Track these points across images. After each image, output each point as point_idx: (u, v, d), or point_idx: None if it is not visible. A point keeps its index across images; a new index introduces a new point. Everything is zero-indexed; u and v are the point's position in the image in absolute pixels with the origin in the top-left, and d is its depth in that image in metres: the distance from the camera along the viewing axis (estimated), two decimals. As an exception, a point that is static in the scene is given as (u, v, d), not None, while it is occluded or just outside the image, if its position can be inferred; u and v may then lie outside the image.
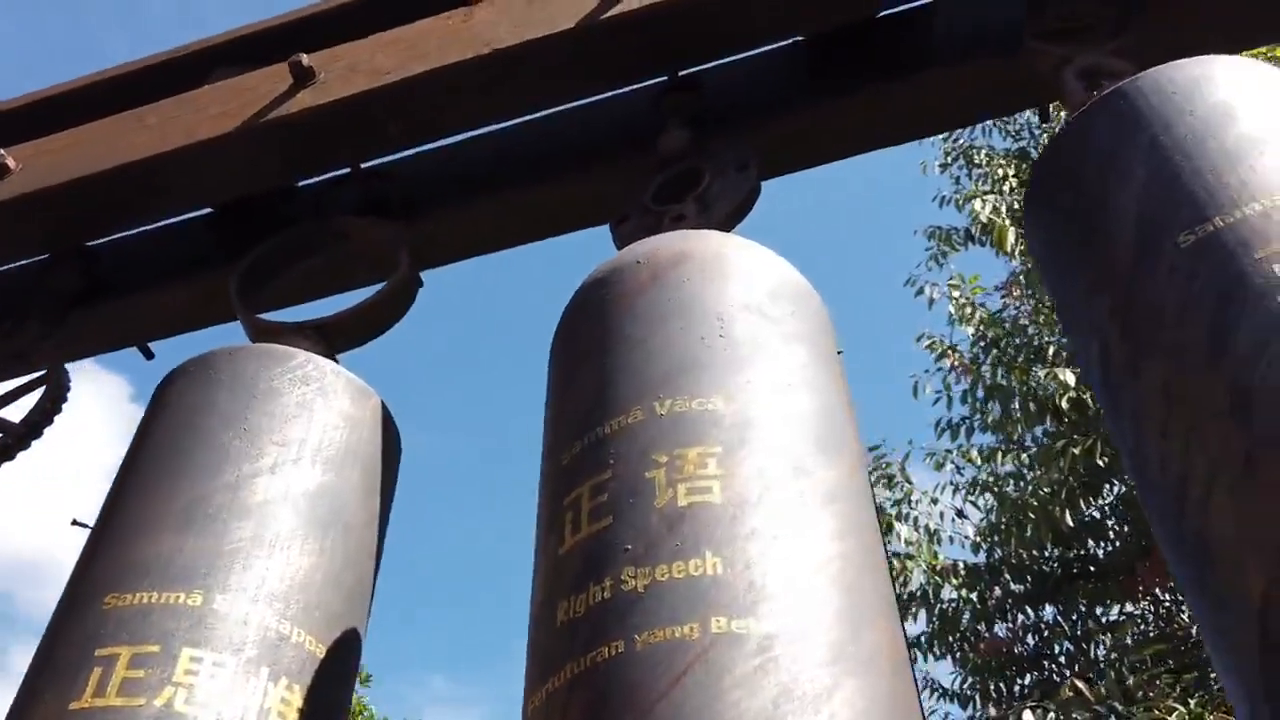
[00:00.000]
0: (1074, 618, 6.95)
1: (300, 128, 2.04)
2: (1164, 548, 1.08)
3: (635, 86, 2.08)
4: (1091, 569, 6.94)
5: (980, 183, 7.95)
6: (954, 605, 7.14)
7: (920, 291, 7.85)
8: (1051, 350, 6.75)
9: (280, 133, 2.05)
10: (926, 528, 7.33)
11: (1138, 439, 1.14)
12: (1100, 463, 6.10)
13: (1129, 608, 6.92)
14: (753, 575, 0.99)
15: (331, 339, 1.86)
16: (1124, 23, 1.74)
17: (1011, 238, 7.12)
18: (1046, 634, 7.03)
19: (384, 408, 1.65)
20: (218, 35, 2.42)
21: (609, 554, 1.05)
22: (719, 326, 1.26)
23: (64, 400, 2.02)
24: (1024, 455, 6.94)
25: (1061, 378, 6.22)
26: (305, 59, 2.06)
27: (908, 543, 7.24)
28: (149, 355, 2.59)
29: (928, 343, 7.71)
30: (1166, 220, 1.18)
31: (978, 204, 7.50)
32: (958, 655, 7.20)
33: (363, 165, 2.19)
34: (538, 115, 2.16)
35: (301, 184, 2.26)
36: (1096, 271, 1.26)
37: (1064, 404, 6.23)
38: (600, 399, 1.22)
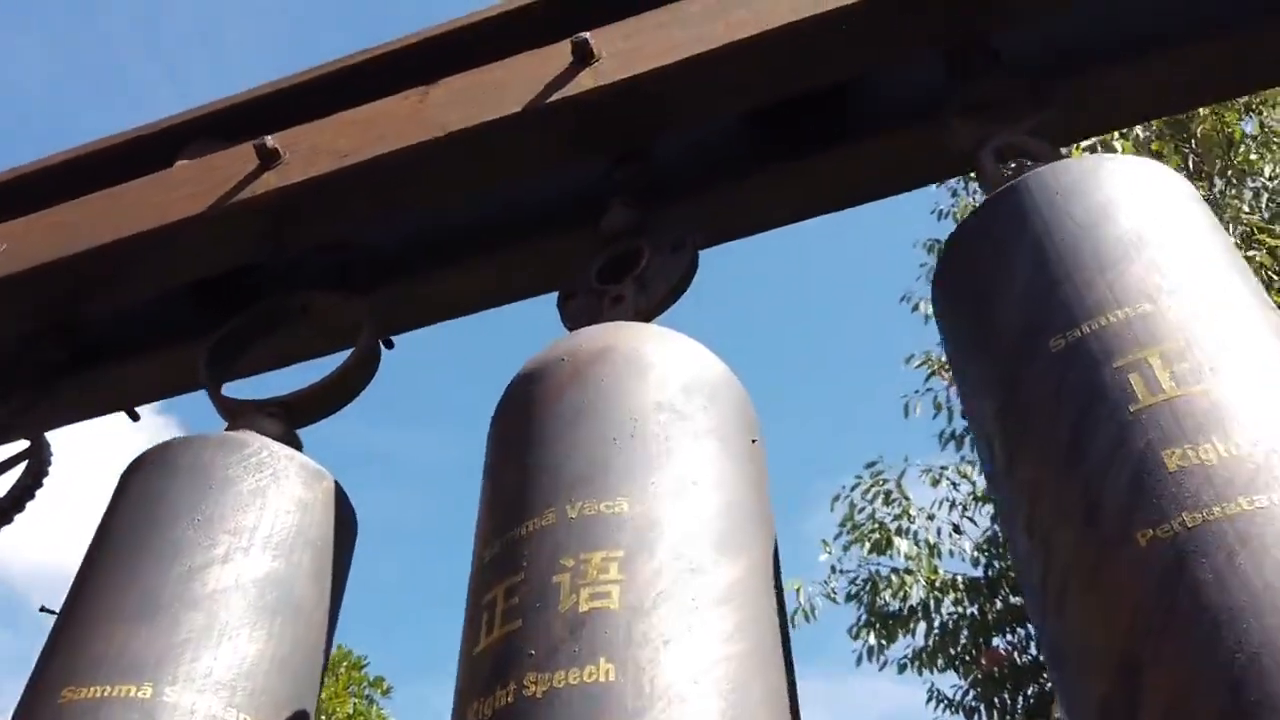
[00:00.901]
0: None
1: (267, 209, 2.14)
2: (1038, 646, 1.15)
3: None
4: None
5: (977, 196, 8.00)
6: (954, 619, 7.19)
7: (916, 307, 7.92)
8: None
9: (248, 214, 2.14)
10: (926, 542, 7.38)
11: (1012, 537, 1.21)
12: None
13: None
14: (642, 682, 1.07)
15: (295, 415, 1.95)
16: (1042, 101, 1.81)
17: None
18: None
19: (337, 488, 1.74)
20: (189, 111, 2.52)
21: (515, 658, 1.13)
22: (631, 426, 1.34)
23: (45, 474, 2.11)
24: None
25: None
26: (270, 140, 2.16)
27: (907, 557, 7.29)
28: (135, 418, 2.69)
29: (917, 362, 7.78)
30: (1043, 324, 1.25)
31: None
32: (959, 668, 7.25)
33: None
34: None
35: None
36: (986, 368, 1.33)
37: None
38: (519, 499, 1.31)
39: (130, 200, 2.29)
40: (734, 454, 1.38)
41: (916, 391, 7.79)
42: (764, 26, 1.90)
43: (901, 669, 7.70)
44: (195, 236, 2.19)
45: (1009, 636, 7.15)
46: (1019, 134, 1.77)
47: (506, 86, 2.06)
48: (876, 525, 7.57)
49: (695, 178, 2.21)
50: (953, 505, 7.48)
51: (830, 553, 8.08)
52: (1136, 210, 1.33)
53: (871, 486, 7.82)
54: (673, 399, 1.39)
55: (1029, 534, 1.16)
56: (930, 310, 7.99)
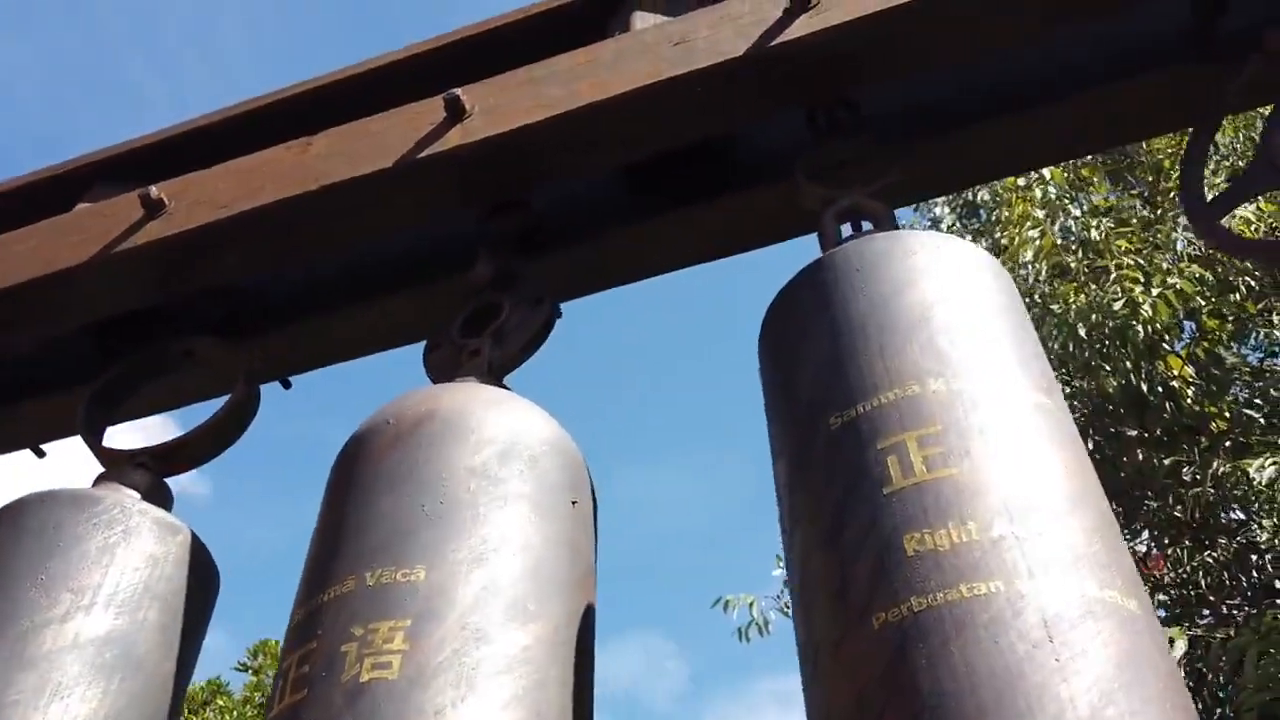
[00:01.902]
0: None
1: (150, 258, 2.18)
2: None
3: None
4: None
5: (918, 223, 8.05)
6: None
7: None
8: None
9: (132, 262, 2.18)
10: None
11: (791, 604, 1.26)
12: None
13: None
14: (409, 754, 1.11)
15: (167, 464, 1.99)
16: (886, 165, 1.87)
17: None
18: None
19: (194, 541, 1.78)
20: (92, 153, 2.56)
21: (296, 729, 1.17)
22: (442, 492, 1.38)
23: None
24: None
25: None
26: (155, 190, 2.20)
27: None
28: (40, 455, 2.73)
29: None
30: (827, 400, 1.30)
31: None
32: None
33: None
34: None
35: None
36: (782, 437, 1.38)
37: None
38: (326, 565, 1.35)
39: (23, 246, 2.33)
40: (548, 517, 1.43)
41: None
42: (624, 88, 1.96)
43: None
44: (82, 283, 2.23)
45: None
46: (862, 196, 1.82)
47: (383, 140, 2.10)
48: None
49: (574, 227, 2.26)
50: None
51: (783, 567, 8.07)
52: (927, 290, 1.37)
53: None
54: (487, 464, 1.43)
55: (796, 600, 1.21)
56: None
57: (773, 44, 1.88)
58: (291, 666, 1.25)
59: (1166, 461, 5.94)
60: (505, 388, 1.80)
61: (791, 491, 1.30)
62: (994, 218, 7.01)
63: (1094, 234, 6.46)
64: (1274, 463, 5.04)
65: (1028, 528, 1.08)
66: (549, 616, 1.32)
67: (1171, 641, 4.86)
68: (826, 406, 1.30)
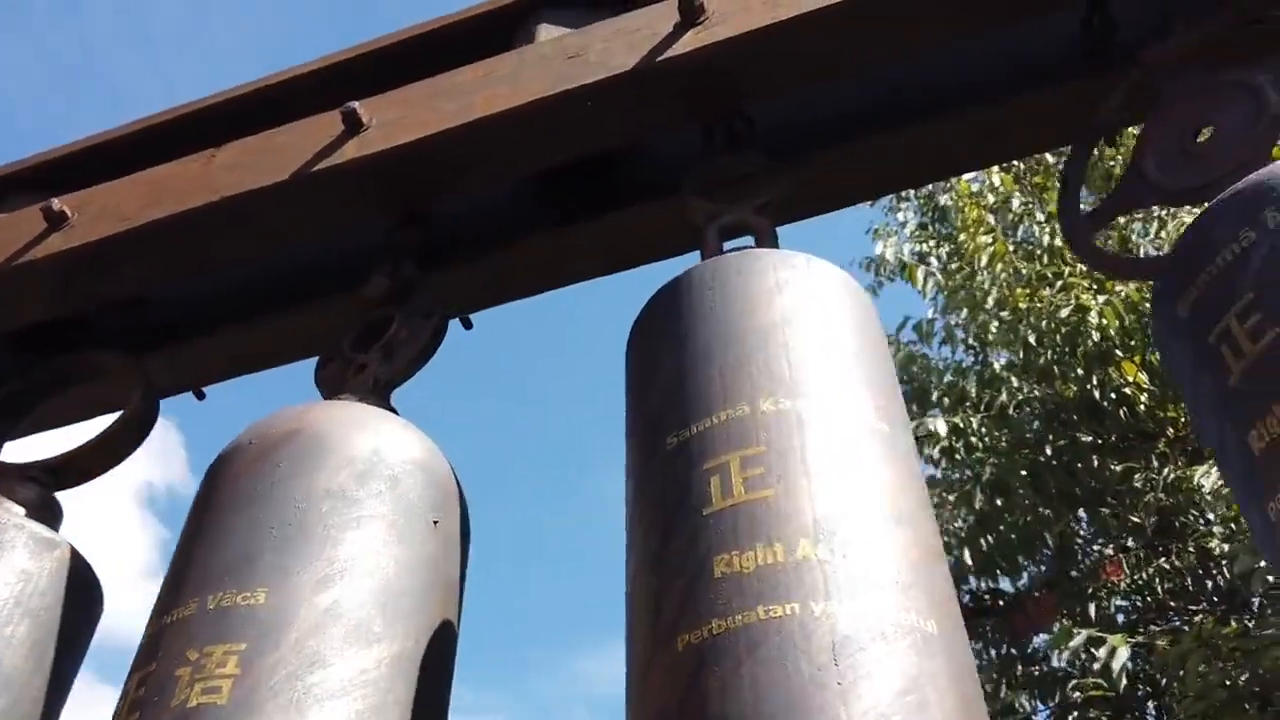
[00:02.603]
0: (986, 652, 7.07)
1: (50, 270, 2.18)
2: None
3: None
4: (1001, 603, 7.07)
5: (888, 222, 8.07)
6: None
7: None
8: (935, 395, 6.89)
9: (32, 275, 2.18)
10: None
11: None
12: (997, 503, 6.23)
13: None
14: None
15: (60, 478, 1.99)
16: (773, 179, 1.87)
17: (920, 276, 7.27)
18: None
19: (73, 555, 1.78)
20: (3, 166, 2.56)
21: (124, 752, 1.17)
22: (294, 514, 1.38)
23: None
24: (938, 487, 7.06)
25: (932, 428, 6.35)
26: (57, 203, 2.20)
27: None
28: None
29: None
30: (667, 420, 1.31)
31: (879, 246, 7.66)
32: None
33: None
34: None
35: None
36: (629, 453, 1.38)
37: (935, 452, 6.36)
38: (175, 586, 1.35)
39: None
40: (404, 538, 1.43)
41: None
42: (518, 102, 1.96)
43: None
44: (-14, 296, 2.23)
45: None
46: (745, 212, 1.82)
47: (283, 153, 2.10)
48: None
49: (480, 239, 2.26)
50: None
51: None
52: (776, 310, 1.37)
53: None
54: (344, 485, 1.43)
55: (627, 621, 1.22)
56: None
57: (659, 59, 1.89)
58: (131, 689, 1.25)
59: (1118, 468, 5.97)
60: (388, 403, 1.80)
61: (631, 512, 1.31)
62: (957, 222, 7.05)
63: (1047, 240, 6.50)
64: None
65: (834, 550, 1.09)
66: (396, 637, 1.33)
67: (1113, 650, 4.89)
68: (666, 426, 1.30)
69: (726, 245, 1.82)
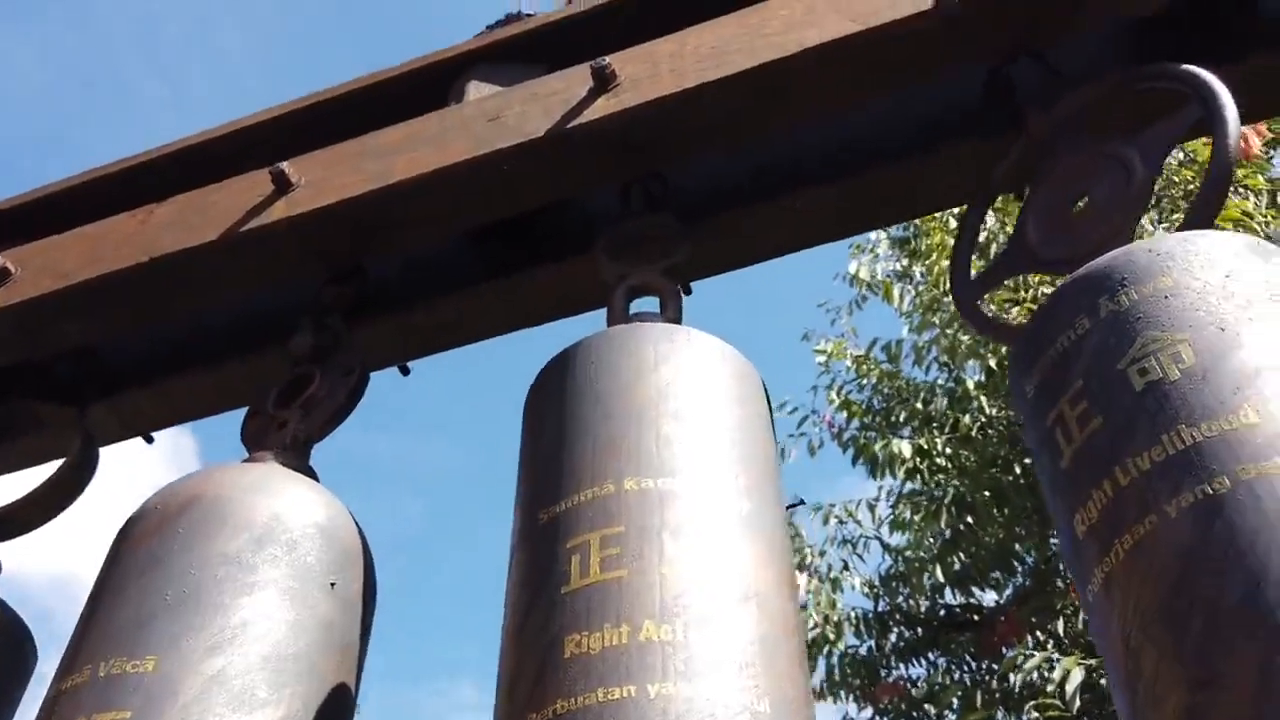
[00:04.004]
0: (962, 666, 7.13)
1: (-7, 325, 2.24)
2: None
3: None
4: (974, 618, 7.13)
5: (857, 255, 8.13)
6: (853, 651, 7.34)
7: (820, 349, 8.06)
8: (902, 416, 6.97)
9: (-23, 329, 2.25)
10: (826, 576, 7.52)
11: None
12: (967, 521, 6.29)
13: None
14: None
15: (5, 527, 2.06)
16: (681, 240, 1.93)
17: (896, 293, 7.35)
18: (938, 681, 7.21)
19: (2, 611, 1.84)
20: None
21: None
22: (190, 580, 1.44)
23: None
24: (902, 506, 7.13)
25: (896, 449, 6.42)
26: (0, 258, 2.27)
27: (807, 592, 7.43)
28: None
29: (790, 409, 7.95)
30: (541, 494, 1.36)
31: (853, 265, 7.74)
32: (859, 700, 7.38)
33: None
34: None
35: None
36: (514, 520, 1.44)
37: (900, 472, 6.44)
38: (72, 653, 1.41)
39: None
40: (298, 602, 1.49)
41: (790, 436, 7.96)
42: (437, 164, 2.02)
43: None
44: (-68, 348, 2.29)
45: (904, 669, 7.29)
46: (651, 274, 1.89)
47: (216, 210, 2.16)
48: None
49: (414, 293, 2.33)
50: (843, 542, 7.63)
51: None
52: (653, 386, 1.42)
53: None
54: (241, 550, 1.49)
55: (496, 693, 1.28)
56: (824, 352, 8.16)
57: (571, 125, 1.95)
58: (24, 754, 1.31)
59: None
60: (306, 460, 1.86)
61: (507, 584, 1.37)
62: (921, 246, 7.13)
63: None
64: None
65: (676, 631, 1.14)
66: (282, 702, 1.38)
67: (1067, 671, 4.95)
68: (541, 500, 1.36)
69: (635, 305, 1.89)
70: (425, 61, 2.40)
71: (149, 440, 2.58)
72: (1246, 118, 2.32)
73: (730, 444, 1.40)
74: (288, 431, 1.88)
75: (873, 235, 7.90)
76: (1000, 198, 2.35)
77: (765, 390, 1.59)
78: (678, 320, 1.80)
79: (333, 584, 1.55)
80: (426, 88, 2.37)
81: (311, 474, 1.81)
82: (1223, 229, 1.67)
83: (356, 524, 1.69)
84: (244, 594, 1.45)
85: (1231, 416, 1.06)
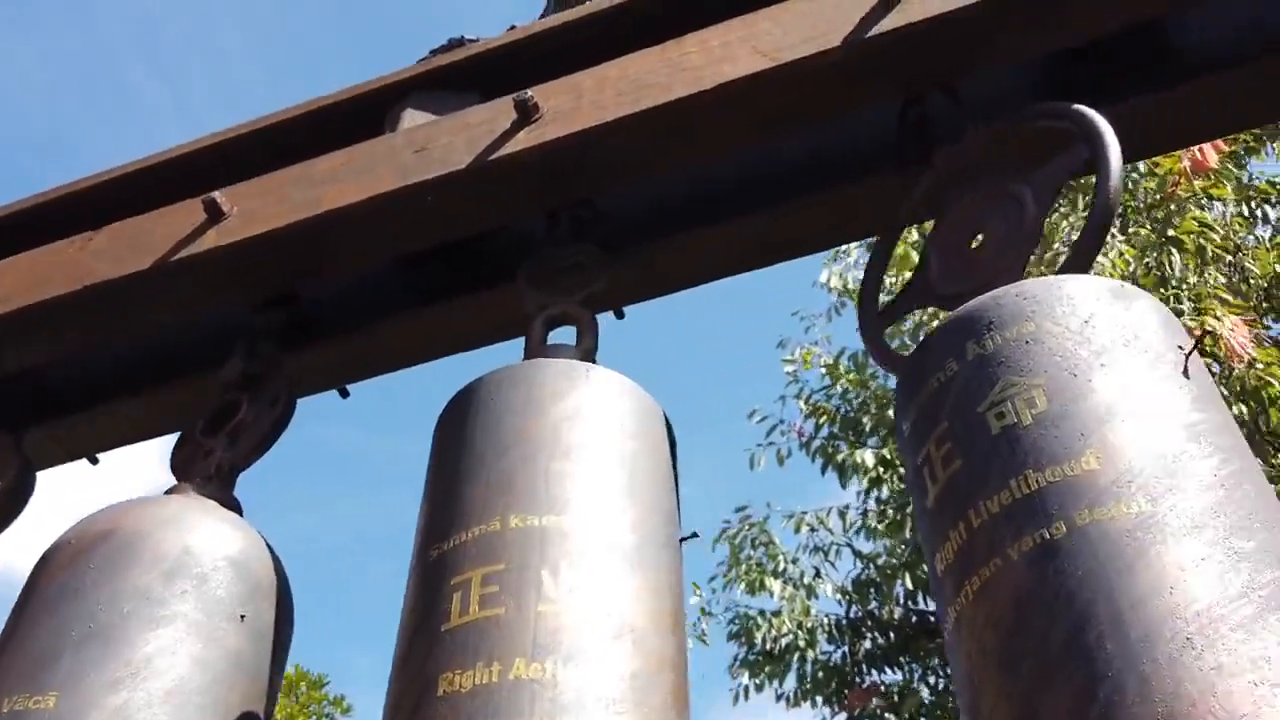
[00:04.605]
0: (937, 672, 7.18)
1: (-71, 352, 2.27)
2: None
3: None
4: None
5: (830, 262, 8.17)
6: (826, 657, 7.38)
7: (788, 359, 8.12)
8: (869, 425, 7.02)
9: (-87, 356, 2.28)
10: (800, 583, 7.56)
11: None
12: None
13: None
14: None
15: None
16: (600, 270, 1.97)
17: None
18: (905, 688, 7.26)
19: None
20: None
21: None
22: (98, 616, 1.47)
23: None
24: (870, 516, 7.18)
25: (859, 458, 6.47)
26: (-60, 286, 2.30)
27: (781, 598, 7.47)
28: None
29: (759, 418, 8.01)
30: (436, 528, 1.39)
31: (824, 274, 7.80)
32: (834, 705, 7.43)
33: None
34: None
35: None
36: (412, 553, 1.47)
37: (864, 481, 6.49)
38: (-18, 685, 1.44)
39: None
40: (205, 636, 1.52)
41: (759, 445, 8.02)
42: (363, 195, 2.05)
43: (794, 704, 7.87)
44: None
45: (875, 675, 7.34)
46: (569, 304, 1.92)
47: (150, 239, 2.19)
48: (752, 567, 7.78)
49: (349, 318, 2.36)
50: (815, 549, 7.69)
51: (700, 595, 8.32)
52: (544, 423, 1.46)
53: (740, 531, 8.02)
54: (151, 585, 1.52)
55: None
56: (794, 361, 8.20)
57: (493, 157, 1.98)
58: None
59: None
60: (230, 489, 1.89)
61: (401, 617, 1.40)
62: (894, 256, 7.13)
63: None
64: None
65: (546, 669, 1.18)
66: (197, 731, 1.41)
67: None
68: (434, 535, 1.40)
69: (553, 335, 1.93)
70: (363, 89, 2.43)
71: (93, 462, 2.61)
72: (1162, 147, 2.38)
73: (621, 479, 1.43)
74: (213, 460, 1.91)
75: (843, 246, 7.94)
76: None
77: (668, 425, 1.63)
78: (593, 350, 1.84)
79: (243, 616, 1.58)
80: (365, 114, 2.40)
81: (233, 504, 1.84)
82: (1101, 271, 1.71)
83: (272, 554, 1.72)
84: (150, 629, 1.48)
85: (1075, 462, 1.10)
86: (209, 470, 1.89)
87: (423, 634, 1.27)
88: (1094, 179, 1.57)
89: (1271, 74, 1.93)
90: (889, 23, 1.82)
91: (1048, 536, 1.06)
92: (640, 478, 1.46)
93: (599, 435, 1.47)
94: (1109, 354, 1.20)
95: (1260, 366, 5.21)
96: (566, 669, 1.18)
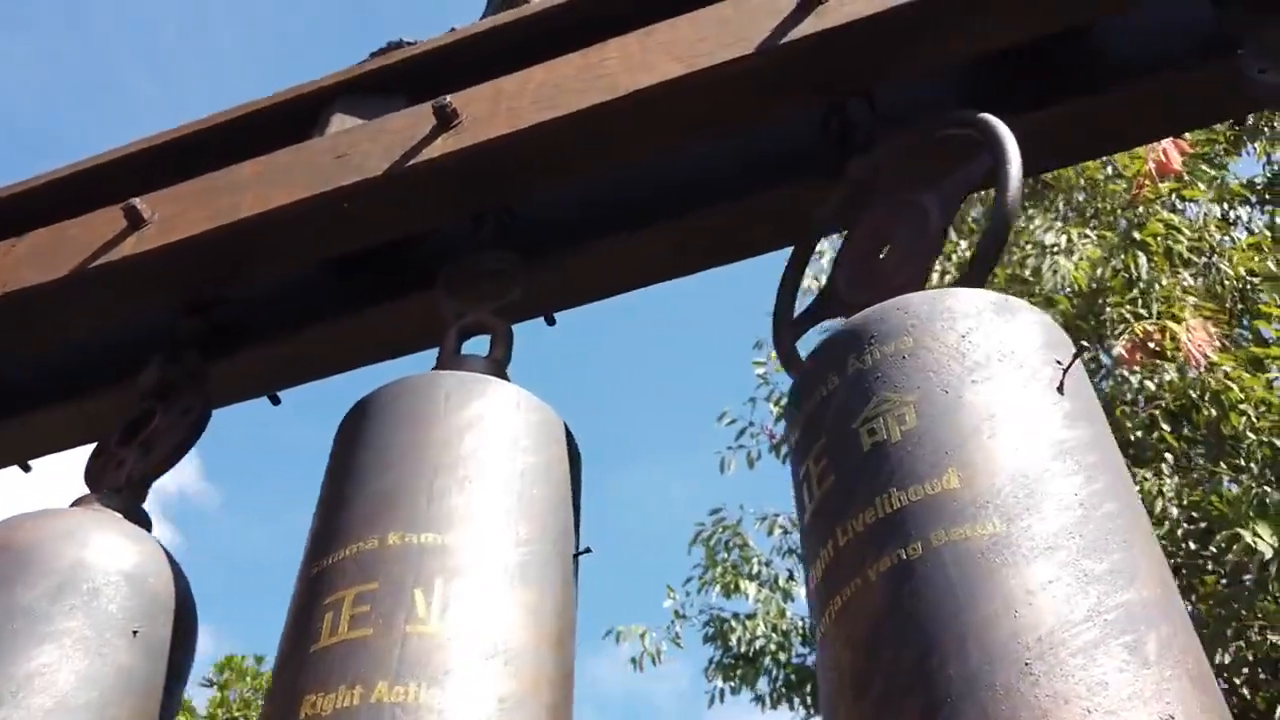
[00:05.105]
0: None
1: None
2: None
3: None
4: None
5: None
6: (801, 661, 7.37)
7: (759, 361, 8.10)
8: None
9: None
10: (776, 585, 7.55)
11: None
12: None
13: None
14: None
15: None
16: (517, 278, 1.95)
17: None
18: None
19: None
20: None
21: None
22: (-19, 630, 1.45)
23: None
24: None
25: None
26: None
27: (757, 601, 7.46)
28: None
29: (729, 420, 8.00)
30: (319, 544, 1.37)
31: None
32: (810, 708, 7.42)
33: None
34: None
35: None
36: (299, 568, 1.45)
37: None
38: None
39: None
40: (93, 651, 1.49)
41: (729, 448, 8.00)
42: (282, 201, 2.03)
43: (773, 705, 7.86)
44: None
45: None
46: (484, 313, 1.90)
47: (71, 246, 2.17)
48: (727, 569, 7.76)
49: (274, 325, 2.34)
50: (789, 551, 7.67)
51: (674, 598, 8.28)
52: (432, 438, 1.43)
53: (714, 533, 8.00)
54: (38, 601, 1.50)
55: None
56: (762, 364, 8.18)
57: (410, 164, 1.96)
58: None
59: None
60: (139, 501, 1.87)
61: (281, 634, 1.38)
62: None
63: (935, 279, 6.59)
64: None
65: (409, 692, 1.16)
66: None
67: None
68: (316, 552, 1.38)
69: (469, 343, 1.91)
70: (294, 93, 2.41)
71: (25, 469, 2.59)
72: (1076, 156, 2.37)
73: (510, 495, 1.41)
74: (124, 470, 1.89)
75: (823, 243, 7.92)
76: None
77: (569, 440, 1.61)
78: (505, 360, 1.82)
79: (135, 632, 1.56)
80: (298, 118, 2.38)
81: (139, 515, 1.82)
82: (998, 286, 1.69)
83: (175, 569, 1.70)
84: (35, 645, 1.46)
85: (936, 481, 1.08)
86: (119, 481, 1.87)
87: (294, 654, 1.25)
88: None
89: (1199, 79, 1.91)
90: (805, 28, 1.80)
91: (904, 557, 1.04)
92: (533, 493, 1.44)
93: (490, 450, 1.45)
94: (983, 369, 1.18)
95: (1225, 371, 5.19)
96: (431, 691, 1.16)
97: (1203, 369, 5.16)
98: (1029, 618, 0.95)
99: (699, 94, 1.86)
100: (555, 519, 1.45)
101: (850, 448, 1.18)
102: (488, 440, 1.46)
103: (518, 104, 1.96)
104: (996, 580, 0.98)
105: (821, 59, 1.82)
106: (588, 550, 1.49)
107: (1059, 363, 1.21)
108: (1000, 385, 1.17)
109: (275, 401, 2.46)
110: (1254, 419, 5.18)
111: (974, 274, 1.45)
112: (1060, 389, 1.17)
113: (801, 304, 1.87)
